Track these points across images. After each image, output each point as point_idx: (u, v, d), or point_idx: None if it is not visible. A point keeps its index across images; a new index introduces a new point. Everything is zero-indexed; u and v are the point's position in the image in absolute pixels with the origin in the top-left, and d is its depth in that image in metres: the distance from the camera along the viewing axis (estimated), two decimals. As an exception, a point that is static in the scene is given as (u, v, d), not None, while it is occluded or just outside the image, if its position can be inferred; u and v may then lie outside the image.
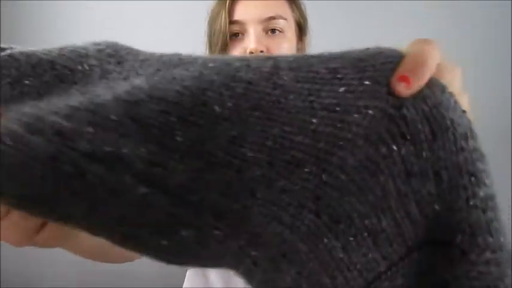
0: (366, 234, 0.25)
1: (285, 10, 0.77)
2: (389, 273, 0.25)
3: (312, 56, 0.25)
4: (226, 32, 0.74)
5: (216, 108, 0.22)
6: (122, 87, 0.23)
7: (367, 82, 0.24)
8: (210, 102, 0.22)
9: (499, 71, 1.36)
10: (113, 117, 0.21)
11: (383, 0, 1.39)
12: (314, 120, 0.24)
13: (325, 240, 0.25)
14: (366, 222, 0.25)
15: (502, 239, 0.23)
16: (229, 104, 0.23)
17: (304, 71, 0.24)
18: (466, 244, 0.23)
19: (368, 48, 0.26)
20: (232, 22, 0.75)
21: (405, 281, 0.25)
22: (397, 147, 0.24)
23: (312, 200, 0.25)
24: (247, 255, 0.25)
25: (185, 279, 0.77)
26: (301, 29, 0.81)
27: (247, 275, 0.26)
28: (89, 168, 0.21)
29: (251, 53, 0.73)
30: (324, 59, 0.25)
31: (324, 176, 0.24)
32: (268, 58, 0.25)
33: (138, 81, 0.23)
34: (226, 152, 0.23)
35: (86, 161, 0.21)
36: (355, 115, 0.24)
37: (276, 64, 0.24)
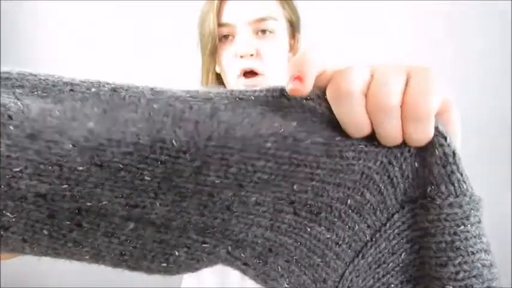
0: (350, 211, 0.27)
1: (275, 9, 0.75)
2: (374, 239, 0.28)
3: (242, 101, 0.27)
4: (215, 35, 0.72)
5: (174, 142, 0.24)
6: (76, 131, 0.23)
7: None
8: (167, 138, 0.24)
9: (500, 70, 1.35)
10: (80, 167, 0.23)
11: (381, 0, 1.39)
12: (268, 145, 0.25)
13: (308, 229, 0.27)
14: (349, 202, 0.27)
15: (464, 186, 0.26)
16: (185, 138, 0.24)
17: (239, 113, 0.26)
18: (433, 192, 0.27)
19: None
20: (221, 25, 0.72)
21: (388, 243, 0.28)
22: None
23: (287, 205, 0.27)
24: (237, 258, 0.27)
25: (182, 280, 0.77)
26: (294, 26, 0.79)
27: (242, 272, 0.28)
28: (82, 220, 0.24)
29: (241, 56, 0.71)
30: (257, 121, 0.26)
31: (295, 187, 0.26)
32: (207, 100, 0.27)
33: (91, 124, 0.24)
34: (194, 183, 0.25)
35: (77, 214, 0.24)
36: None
37: (214, 107, 0.26)
